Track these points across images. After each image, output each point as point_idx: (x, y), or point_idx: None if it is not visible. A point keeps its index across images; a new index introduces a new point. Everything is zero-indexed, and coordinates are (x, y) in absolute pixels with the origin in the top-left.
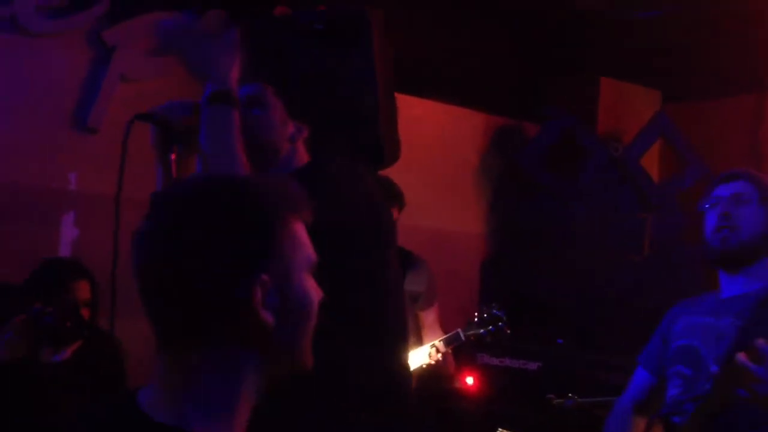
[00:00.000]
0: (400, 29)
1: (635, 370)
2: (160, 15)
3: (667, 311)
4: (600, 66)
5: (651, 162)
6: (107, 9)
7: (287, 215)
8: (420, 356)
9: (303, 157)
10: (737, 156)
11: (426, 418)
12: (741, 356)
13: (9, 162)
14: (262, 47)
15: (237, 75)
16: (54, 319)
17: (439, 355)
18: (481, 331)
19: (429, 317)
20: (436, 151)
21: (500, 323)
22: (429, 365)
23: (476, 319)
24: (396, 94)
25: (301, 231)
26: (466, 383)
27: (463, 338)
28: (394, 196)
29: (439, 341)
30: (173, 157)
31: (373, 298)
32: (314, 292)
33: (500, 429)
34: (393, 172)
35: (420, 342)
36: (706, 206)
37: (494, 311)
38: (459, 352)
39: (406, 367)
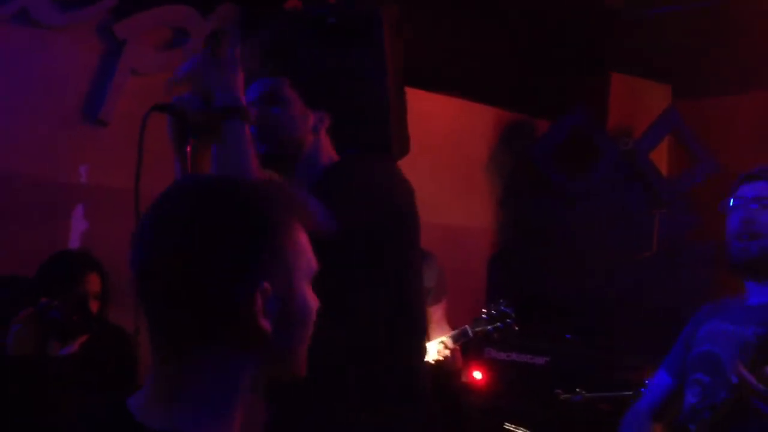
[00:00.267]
0: (410, 23)
1: (656, 373)
2: (171, 8)
3: (693, 315)
4: (611, 62)
5: (660, 158)
6: (118, 2)
7: (290, 223)
8: (428, 352)
9: (328, 148)
10: (748, 153)
11: (435, 414)
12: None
13: (19, 154)
14: (273, 41)
15: (243, 89)
16: (60, 313)
17: (448, 351)
18: (489, 327)
19: (437, 313)
20: (446, 146)
21: (508, 320)
22: (437, 361)
23: (484, 316)
24: (406, 89)
25: (303, 238)
26: (473, 378)
27: (471, 334)
28: None
29: (447, 337)
30: (189, 149)
31: (399, 296)
32: (313, 300)
33: (507, 424)
34: (402, 167)
35: (428, 338)
36: (729, 206)
37: (502, 308)
38: (466, 346)
39: (425, 362)
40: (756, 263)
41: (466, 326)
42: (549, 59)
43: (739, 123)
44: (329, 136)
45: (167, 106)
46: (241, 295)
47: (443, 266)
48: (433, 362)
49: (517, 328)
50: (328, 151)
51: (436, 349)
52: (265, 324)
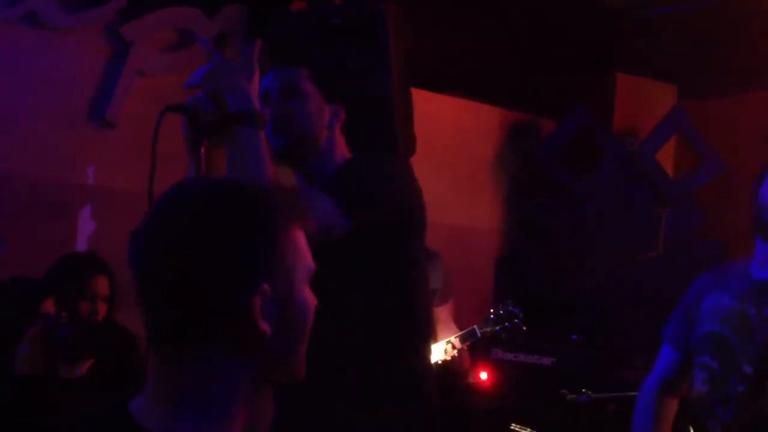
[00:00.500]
0: (416, 24)
1: (661, 347)
2: (177, 10)
3: (694, 280)
4: (616, 62)
5: (666, 158)
6: (125, 4)
7: (290, 225)
8: (435, 352)
9: (341, 146)
10: (754, 152)
11: (438, 414)
12: None
13: (26, 155)
14: (284, 38)
15: (256, 92)
16: (69, 331)
17: (455, 351)
18: (497, 328)
19: (444, 313)
20: (452, 147)
21: (516, 320)
22: (444, 361)
23: (492, 316)
24: (412, 89)
25: (302, 241)
26: (480, 378)
27: (479, 335)
28: None
29: (455, 338)
30: (203, 150)
31: (403, 296)
32: (311, 301)
33: (514, 424)
34: None
35: (435, 338)
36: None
37: (510, 308)
38: (474, 347)
39: (429, 362)
40: None
41: (474, 327)
42: (555, 59)
43: (745, 123)
44: (343, 133)
45: (180, 107)
46: (240, 297)
47: (449, 267)
48: (440, 362)
49: (524, 329)
50: (341, 149)
51: (443, 348)
52: (264, 325)
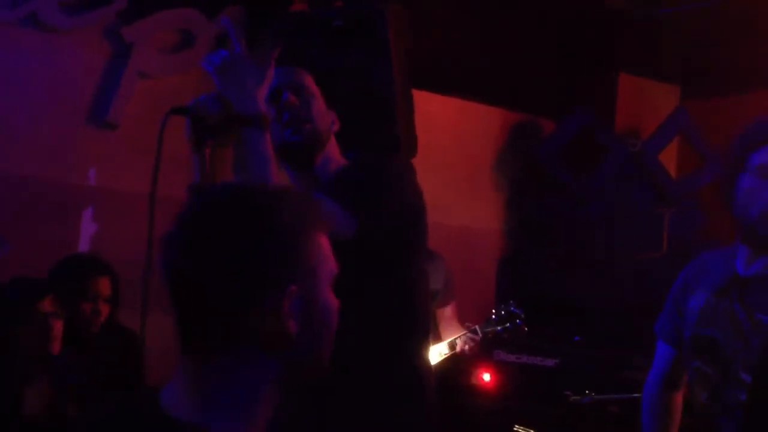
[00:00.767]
0: (416, 24)
1: (657, 344)
2: (177, 12)
3: (680, 273)
4: (619, 62)
5: (669, 159)
6: (126, 5)
7: (315, 228)
8: (437, 353)
9: (337, 150)
10: None
11: (443, 415)
12: None
13: (29, 157)
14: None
15: (265, 94)
16: (78, 377)
17: (457, 349)
18: (499, 328)
19: (446, 314)
20: (453, 147)
21: (518, 320)
22: (453, 354)
23: (494, 317)
24: (413, 90)
25: (325, 244)
26: (483, 380)
27: (480, 334)
28: None
29: (458, 338)
30: (207, 151)
31: (404, 297)
32: (335, 303)
33: (517, 426)
34: None
35: (438, 339)
36: (751, 174)
37: (512, 308)
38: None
39: (428, 363)
40: None
41: (476, 326)
42: (556, 59)
43: (748, 123)
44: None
45: (185, 109)
46: (269, 298)
47: (451, 268)
48: (441, 362)
49: (526, 329)
50: (337, 155)
51: (445, 349)
52: (292, 325)
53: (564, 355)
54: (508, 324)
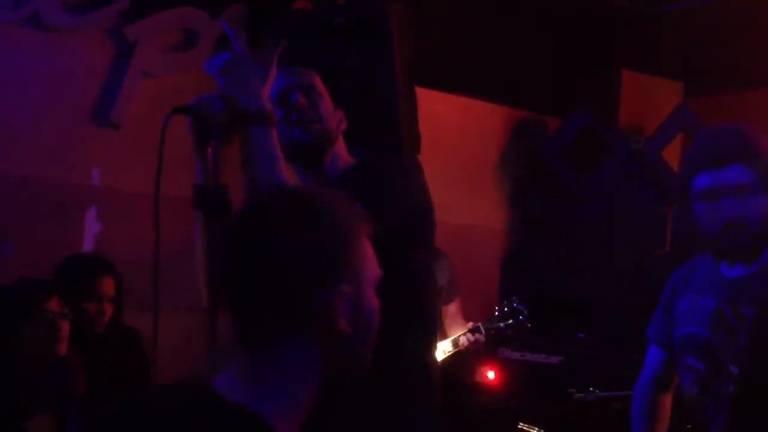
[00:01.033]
0: (419, 22)
1: (648, 347)
2: (180, 11)
3: (669, 277)
4: (622, 59)
5: (673, 156)
6: (128, 5)
7: (361, 231)
8: (441, 350)
9: (344, 150)
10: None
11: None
12: None
13: (32, 157)
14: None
15: (268, 92)
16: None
17: (461, 346)
18: (502, 324)
19: (452, 309)
20: (457, 146)
21: (521, 317)
22: (457, 351)
23: (497, 313)
24: (416, 88)
25: (369, 247)
26: (487, 377)
27: (483, 331)
28: None
29: (461, 335)
30: (210, 150)
31: (410, 296)
32: (377, 305)
33: (521, 423)
34: None
35: (443, 336)
36: (698, 199)
37: (515, 305)
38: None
39: (435, 360)
40: (742, 250)
41: (479, 324)
42: (559, 57)
43: (752, 120)
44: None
45: (188, 108)
46: (323, 297)
47: (454, 265)
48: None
49: (529, 326)
50: (344, 152)
51: (450, 346)
52: (343, 323)
53: (568, 352)
54: (511, 320)
